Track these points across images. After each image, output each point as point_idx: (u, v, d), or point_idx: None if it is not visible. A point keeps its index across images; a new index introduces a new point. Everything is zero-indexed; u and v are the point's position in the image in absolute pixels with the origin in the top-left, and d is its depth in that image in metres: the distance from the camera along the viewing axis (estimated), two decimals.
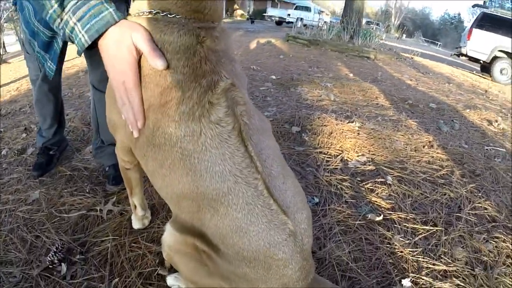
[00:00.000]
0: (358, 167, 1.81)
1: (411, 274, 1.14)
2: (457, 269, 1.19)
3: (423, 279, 1.13)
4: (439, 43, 48.20)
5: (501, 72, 8.45)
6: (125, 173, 1.04)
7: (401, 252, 1.24)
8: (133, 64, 0.67)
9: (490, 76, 8.58)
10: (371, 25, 17.53)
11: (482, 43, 8.67)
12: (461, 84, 5.91)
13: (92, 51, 0.70)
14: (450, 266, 1.20)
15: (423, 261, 1.21)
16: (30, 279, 1.03)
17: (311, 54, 6.42)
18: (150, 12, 0.69)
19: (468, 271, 1.19)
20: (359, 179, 1.71)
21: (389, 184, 1.68)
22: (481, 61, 9.01)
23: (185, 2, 0.67)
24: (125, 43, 0.66)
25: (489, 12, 9.06)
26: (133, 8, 0.73)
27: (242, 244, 0.66)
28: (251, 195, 0.65)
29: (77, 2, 0.65)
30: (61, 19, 0.67)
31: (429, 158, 2.06)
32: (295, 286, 0.70)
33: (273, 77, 3.88)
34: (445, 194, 1.67)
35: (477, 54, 8.87)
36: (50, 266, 1.06)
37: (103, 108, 0.92)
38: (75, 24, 0.66)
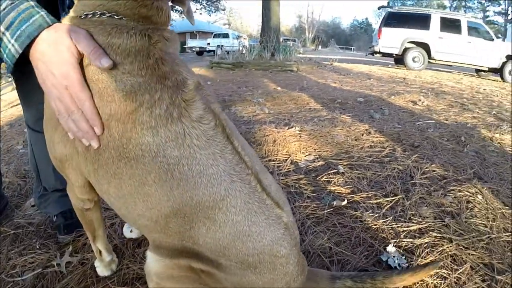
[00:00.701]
0: (309, 165, 1.91)
1: (392, 241, 1.22)
2: (429, 224, 1.32)
3: (404, 241, 1.22)
4: (352, 47, 53.31)
5: (413, 60, 9.77)
6: (85, 215, 0.92)
7: (375, 225, 1.32)
8: (76, 64, 0.62)
9: (405, 66, 9.84)
10: (288, 42, 18.83)
11: (392, 39, 9.93)
12: (380, 78, 6.59)
13: (24, 85, 0.64)
14: (422, 224, 1.32)
15: (397, 226, 1.31)
16: None
17: (237, 76, 6.67)
18: (93, 14, 0.65)
19: (439, 224, 1.33)
20: (313, 175, 1.79)
21: (342, 172, 1.80)
22: (394, 55, 10.30)
23: (133, 4, 0.65)
24: (64, 43, 0.61)
25: (394, 10, 10.52)
26: (72, 11, 0.68)
27: (246, 250, 0.64)
28: (247, 192, 0.64)
29: (5, 9, 0.62)
30: None
31: (370, 143, 2.26)
32: (296, 281, 0.70)
33: None
34: (394, 169, 1.84)
35: (389, 49, 10.13)
36: None
37: (42, 149, 0.83)
38: (3, 34, 0.62)
